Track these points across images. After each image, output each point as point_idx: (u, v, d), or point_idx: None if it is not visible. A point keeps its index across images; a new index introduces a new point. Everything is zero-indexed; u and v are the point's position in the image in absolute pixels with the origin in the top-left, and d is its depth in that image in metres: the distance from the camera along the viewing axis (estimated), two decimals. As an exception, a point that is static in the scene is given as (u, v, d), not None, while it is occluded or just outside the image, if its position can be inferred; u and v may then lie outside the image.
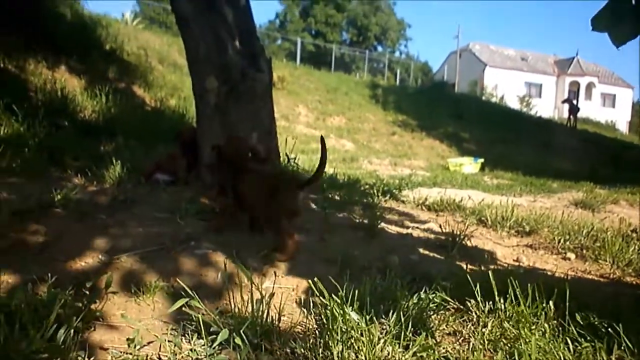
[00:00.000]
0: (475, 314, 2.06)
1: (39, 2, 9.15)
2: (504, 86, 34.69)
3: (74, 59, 8.74)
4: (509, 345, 1.79)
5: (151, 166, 4.28)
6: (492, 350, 1.81)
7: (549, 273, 2.88)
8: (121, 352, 1.70)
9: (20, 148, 4.62)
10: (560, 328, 1.91)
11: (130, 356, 1.61)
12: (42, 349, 1.49)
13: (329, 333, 1.75)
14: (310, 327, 1.95)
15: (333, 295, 1.86)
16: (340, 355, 1.65)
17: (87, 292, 2.02)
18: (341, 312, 1.79)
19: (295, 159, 5.06)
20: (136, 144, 5.74)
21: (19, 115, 5.39)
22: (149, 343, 1.76)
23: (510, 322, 1.91)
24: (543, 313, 1.95)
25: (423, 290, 2.16)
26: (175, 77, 12.59)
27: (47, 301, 1.75)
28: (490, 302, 2.06)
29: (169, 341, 1.71)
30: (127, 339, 1.72)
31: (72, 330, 1.63)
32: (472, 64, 39.31)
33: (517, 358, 1.62)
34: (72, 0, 11.30)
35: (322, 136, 2.75)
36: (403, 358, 1.66)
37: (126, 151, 5.18)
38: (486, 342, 1.85)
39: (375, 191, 4.83)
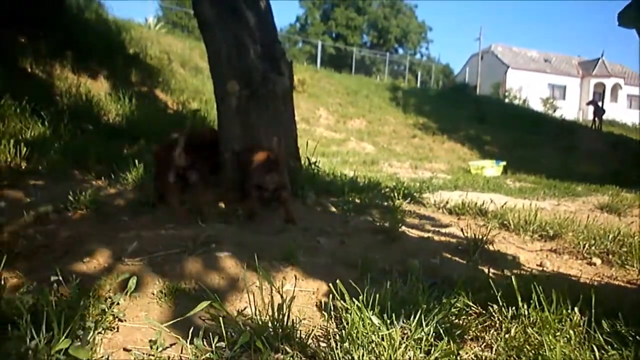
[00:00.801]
0: (498, 319, 2.03)
1: (65, 9, 9.34)
2: (527, 88, 34.23)
3: (98, 64, 8.90)
4: (533, 351, 1.76)
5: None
6: (515, 357, 1.78)
7: (574, 278, 2.83)
8: (144, 353, 1.72)
9: (45, 151, 4.72)
10: (586, 335, 1.87)
11: (153, 358, 1.63)
12: (68, 349, 1.51)
13: (349, 337, 1.74)
14: (331, 330, 1.95)
15: (353, 299, 1.85)
16: (360, 359, 1.64)
17: (110, 294, 2.05)
18: (362, 316, 1.78)
19: (316, 162, 5.06)
20: (158, 147, 5.80)
21: (45, 119, 5.51)
22: (171, 345, 1.78)
23: (534, 328, 1.87)
24: (568, 319, 1.91)
25: (444, 295, 2.14)
26: (196, 80, 12.74)
27: (72, 302, 1.78)
28: (514, 308, 2.02)
29: (190, 343, 1.72)
30: (150, 341, 1.73)
31: (96, 331, 1.65)
32: (494, 66, 38.89)
33: (541, 365, 1.59)
34: (97, 6, 11.50)
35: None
36: (424, 363, 1.64)
37: (148, 154, 5.24)
38: (509, 348, 1.82)
39: (395, 194, 4.80)
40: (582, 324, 1.91)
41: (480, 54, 38.42)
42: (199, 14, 4.08)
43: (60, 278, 2.02)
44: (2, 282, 2.01)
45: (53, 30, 8.30)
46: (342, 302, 1.89)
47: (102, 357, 1.62)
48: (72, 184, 3.97)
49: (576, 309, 1.93)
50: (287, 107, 4.25)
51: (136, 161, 4.33)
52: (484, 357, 1.75)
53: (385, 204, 4.51)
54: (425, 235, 3.64)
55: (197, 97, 11.15)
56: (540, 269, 3.07)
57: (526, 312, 1.97)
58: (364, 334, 1.74)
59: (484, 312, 2.12)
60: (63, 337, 1.53)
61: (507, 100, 29.72)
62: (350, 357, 1.67)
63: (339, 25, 46.82)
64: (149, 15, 31.26)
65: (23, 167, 4.35)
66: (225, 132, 4.10)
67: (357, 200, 4.45)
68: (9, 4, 7.68)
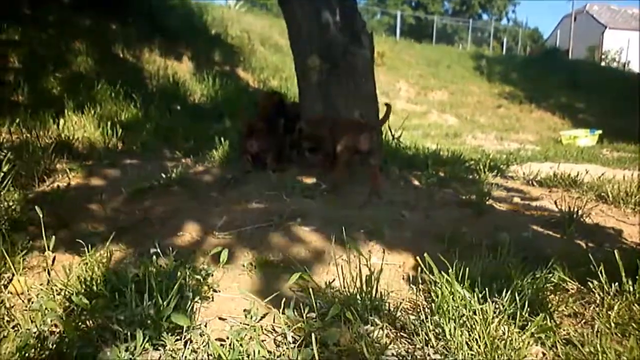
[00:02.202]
0: (599, 295, 1.92)
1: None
2: (628, 49, 31.41)
3: (183, 46, 9.23)
4: (639, 329, 1.65)
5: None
6: (619, 335, 1.67)
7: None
8: (239, 322, 1.79)
9: (138, 131, 5.00)
10: (700, 313, 1.72)
11: (248, 327, 1.69)
12: (169, 316, 1.60)
13: (439, 310, 1.71)
14: (420, 303, 1.92)
15: (442, 273, 1.82)
16: (452, 333, 1.61)
17: (204, 265, 2.15)
18: (452, 289, 1.74)
19: (399, 137, 4.98)
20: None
21: (136, 102, 5.81)
22: (264, 315, 1.83)
23: (641, 305, 1.75)
24: (679, 297, 1.77)
25: (538, 269, 2.04)
26: (276, 58, 12.86)
27: (170, 273, 1.88)
28: (616, 283, 1.90)
29: (282, 313, 1.77)
30: (244, 310, 1.80)
31: (193, 301, 1.74)
32: (590, 26, 35.99)
33: (651, 344, 1.48)
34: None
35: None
36: (520, 339, 1.58)
37: (232, 132, 5.39)
38: (612, 325, 1.71)
39: (481, 167, 4.63)
40: (695, 302, 1.76)
41: (573, 15, 35.69)
42: (279, -9, 4.10)
43: (159, 250, 2.14)
44: (109, 254, 2.16)
45: (141, 17, 8.71)
46: (430, 275, 1.86)
47: (200, 324, 1.70)
48: (164, 162, 4.17)
49: (689, 286, 1.78)
50: (367, 80, 4.19)
51: (222, 139, 4.46)
52: (585, 334, 1.66)
53: (471, 177, 4.37)
54: (515, 208, 3.50)
55: (277, 74, 11.28)
56: (645, 243, 2.86)
57: (631, 288, 1.84)
58: (455, 307, 1.71)
59: (582, 288, 2.01)
60: (165, 305, 1.62)
61: (603, 64, 27.57)
62: (441, 330, 1.65)
63: (418, -7, 45.35)
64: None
65: (119, 148, 4.63)
66: (306, 106, 4.13)
67: (441, 174, 4.34)
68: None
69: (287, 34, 4.34)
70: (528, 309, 1.75)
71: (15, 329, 1.68)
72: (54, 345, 1.55)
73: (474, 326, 1.63)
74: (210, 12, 12.40)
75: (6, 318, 1.73)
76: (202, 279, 1.96)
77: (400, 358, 1.61)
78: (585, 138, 11.97)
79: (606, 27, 35.71)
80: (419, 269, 1.96)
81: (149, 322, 1.59)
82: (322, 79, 3.99)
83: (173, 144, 4.98)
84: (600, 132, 12.27)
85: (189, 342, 1.62)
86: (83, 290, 1.83)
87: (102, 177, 3.62)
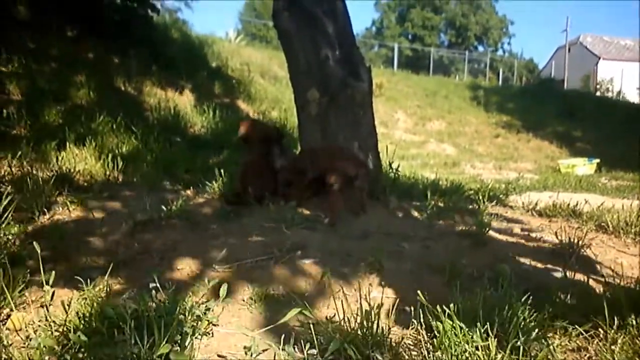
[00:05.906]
0: (602, 329, 1.90)
1: (153, 28, 9.91)
2: (622, 79, 31.82)
3: (184, 78, 9.34)
4: (644, 365, 1.63)
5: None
6: (624, 370, 1.65)
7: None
8: (239, 359, 1.77)
9: (139, 163, 5.00)
10: None
11: (248, 364, 1.67)
12: (168, 353, 1.58)
13: (441, 346, 1.69)
14: (422, 339, 1.90)
15: (444, 307, 1.80)
16: (454, 369, 1.59)
17: (204, 300, 2.13)
18: (453, 324, 1.73)
19: (398, 167, 5.00)
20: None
21: (137, 134, 5.85)
22: (263, 351, 1.81)
23: (645, 340, 1.74)
24: (683, 330, 1.75)
25: (540, 302, 2.03)
26: (275, 89, 13.03)
27: (169, 308, 1.86)
28: (619, 317, 1.88)
29: (282, 349, 1.74)
30: (244, 347, 1.78)
31: (193, 337, 1.72)
32: (584, 57, 36.52)
33: (656, 380, 1.46)
34: (181, 24, 12.11)
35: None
36: (523, 375, 1.56)
37: (232, 164, 5.41)
38: (617, 360, 1.69)
39: (480, 197, 4.64)
40: (700, 335, 1.75)
41: (567, 46, 36.24)
42: (278, 25, 4.18)
43: (158, 285, 2.12)
44: (107, 289, 2.15)
45: (142, 50, 8.85)
46: (432, 309, 1.84)
47: (200, 362, 1.68)
48: (164, 194, 4.17)
49: (692, 319, 1.77)
50: (366, 112, 4.23)
51: (222, 171, 4.47)
52: (588, 370, 1.64)
53: (470, 207, 4.37)
54: (515, 239, 3.49)
55: (276, 106, 11.39)
56: (647, 274, 2.84)
57: (634, 322, 1.83)
58: (457, 342, 1.69)
59: (585, 321, 1.99)
60: (164, 342, 1.60)
61: (598, 93, 27.90)
62: (443, 367, 1.63)
63: (415, 26, 46.23)
64: (229, 29, 32.65)
65: (120, 180, 4.63)
66: (306, 139, 4.17)
67: (440, 204, 4.35)
68: (103, 29, 8.29)
69: (287, 66, 4.40)
70: (531, 343, 1.73)
71: (13, 367, 1.66)
72: (52, 384, 1.53)
73: (476, 362, 1.61)
74: (210, 45, 12.61)
75: (4, 356, 1.71)
76: (201, 314, 1.94)
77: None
78: (584, 166, 12.04)
79: (600, 58, 36.28)
80: (420, 302, 1.95)
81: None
82: (321, 112, 4.03)
83: (173, 176, 4.99)
84: (598, 160, 12.35)
85: (188, 380, 1.60)
86: (81, 327, 1.81)
87: (102, 209, 3.61)
